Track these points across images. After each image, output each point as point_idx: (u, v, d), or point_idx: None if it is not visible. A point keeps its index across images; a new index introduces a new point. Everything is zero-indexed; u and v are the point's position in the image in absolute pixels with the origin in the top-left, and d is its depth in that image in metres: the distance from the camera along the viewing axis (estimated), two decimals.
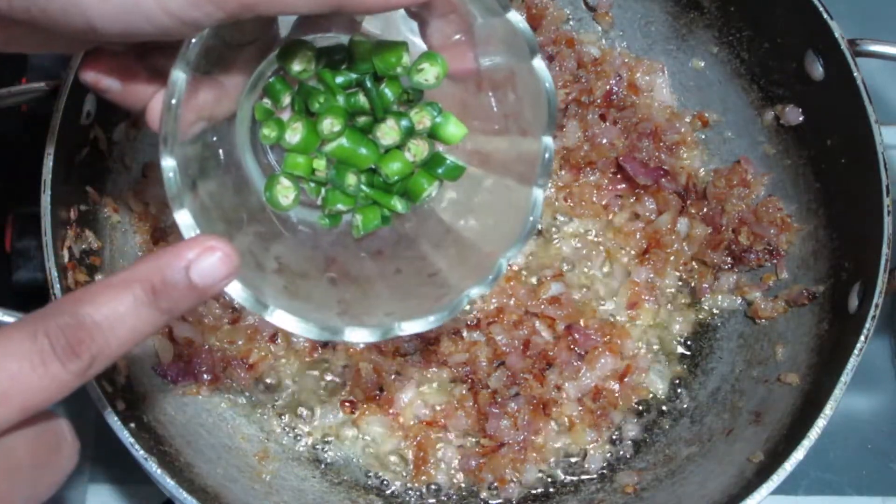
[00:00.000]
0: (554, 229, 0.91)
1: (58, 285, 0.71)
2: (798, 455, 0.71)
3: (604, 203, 0.91)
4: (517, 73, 0.57)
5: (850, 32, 0.80)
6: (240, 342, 0.83)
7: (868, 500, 0.90)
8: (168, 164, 0.52)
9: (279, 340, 0.84)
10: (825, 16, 0.80)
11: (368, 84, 0.57)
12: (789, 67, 0.86)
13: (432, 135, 0.60)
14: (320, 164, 0.58)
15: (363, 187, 0.60)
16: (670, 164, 0.91)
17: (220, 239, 0.45)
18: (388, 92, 0.58)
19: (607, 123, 0.91)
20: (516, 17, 0.55)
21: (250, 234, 0.59)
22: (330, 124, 0.57)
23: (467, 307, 0.59)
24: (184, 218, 0.52)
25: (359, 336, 0.55)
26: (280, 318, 0.53)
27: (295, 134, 0.57)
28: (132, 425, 0.71)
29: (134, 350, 0.79)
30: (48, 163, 0.72)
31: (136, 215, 0.85)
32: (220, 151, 0.58)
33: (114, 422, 0.69)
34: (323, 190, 0.60)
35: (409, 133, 0.59)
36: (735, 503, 0.71)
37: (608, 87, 0.92)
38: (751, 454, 0.77)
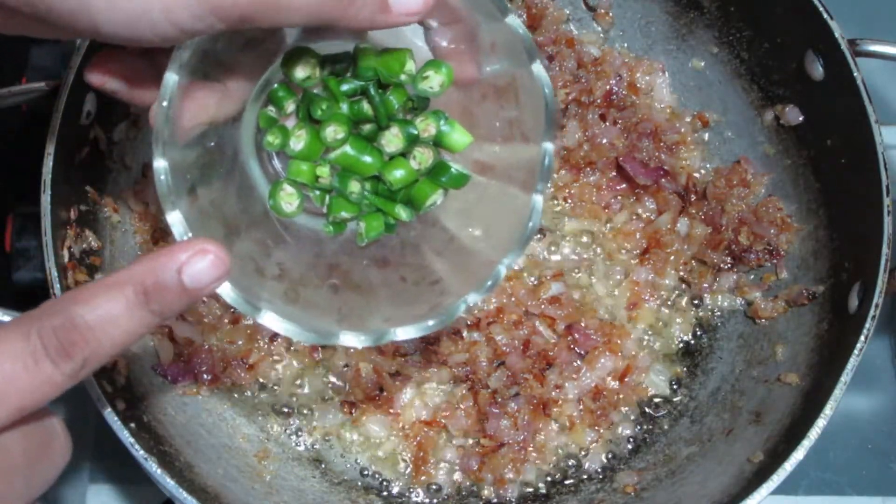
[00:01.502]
0: (554, 230, 0.91)
1: (58, 285, 0.71)
2: (798, 455, 0.71)
3: (604, 203, 0.91)
4: (518, 78, 0.57)
5: (850, 32, 0.80)
6: (240, 342, 0.83)
7: (868, 500, 0.90)
8: (160, 164, 0.52)
9: (279, 340, 0.84)
10: (825, 16, 0.80)
11: (373, 91, 0.57)
12: (789, 67, 0.86)
13: (437, 143, 0.60)
14: (324, 171, 0.58)
15: (367, 195, 0.60)
16: (670, 164, 0.91)
17: (213, 242, 0.45)
18: (392, 99, 0.58)
19: (607, 123, 0.91)
20: (515, 21, 0.55)
21: (252, 240, 0.59)
22: (334, 132, 0.57)
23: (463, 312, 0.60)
24: (175, 219, 0.52)
25: (352, 341, 0.55)
26: (270, 320, 0.53)
27: (299, 141, 0.57)
28: (132, 425, 0.71)
29: (134, 350, 0.79)
30: (48, 163, 0.72)
31: (136, 215, 0.85)
32: (225, 156, 0.58)
33: (114, 422, 0.69)
34: (327, 197, 0.60)
35: (414, 141, 0.58)
36: (735, 503, 0.71)
37: (608, 87, 0.92)
38: (751, 454, 0.77)
